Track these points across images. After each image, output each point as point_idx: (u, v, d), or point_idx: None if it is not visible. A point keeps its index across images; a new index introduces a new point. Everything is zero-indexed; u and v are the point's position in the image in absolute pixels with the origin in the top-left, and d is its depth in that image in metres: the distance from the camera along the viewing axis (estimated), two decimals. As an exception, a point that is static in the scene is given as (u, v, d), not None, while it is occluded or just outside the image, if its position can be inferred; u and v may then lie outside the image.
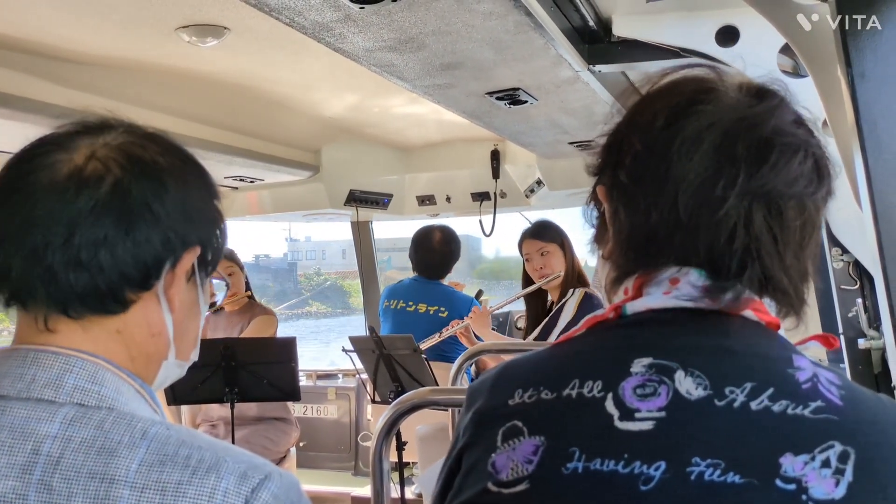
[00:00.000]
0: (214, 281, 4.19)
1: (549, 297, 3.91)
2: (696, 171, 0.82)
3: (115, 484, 0.78)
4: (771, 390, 0.79)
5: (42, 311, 0.87)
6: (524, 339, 3.98)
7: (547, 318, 3.77)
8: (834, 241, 2.16)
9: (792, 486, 0.73)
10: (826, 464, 0.74)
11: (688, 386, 0.80)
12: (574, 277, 3.80)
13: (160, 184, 0.91)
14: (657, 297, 0.86)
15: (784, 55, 2.11)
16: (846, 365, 2.19)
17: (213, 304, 4.33)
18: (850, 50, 1.29)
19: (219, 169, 4.01)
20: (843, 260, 2.15)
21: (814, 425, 0.77)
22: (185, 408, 4.34)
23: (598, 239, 0.96)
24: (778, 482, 0.73)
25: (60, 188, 0.86)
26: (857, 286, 2.14)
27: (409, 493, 3.57)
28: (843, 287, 2.16)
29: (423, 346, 3.85)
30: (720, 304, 0.84)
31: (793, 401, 0.78)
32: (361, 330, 5.71)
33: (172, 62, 2.87)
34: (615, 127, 0.92)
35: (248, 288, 4.35)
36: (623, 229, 0.90)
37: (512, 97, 2.68)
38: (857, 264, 2.13)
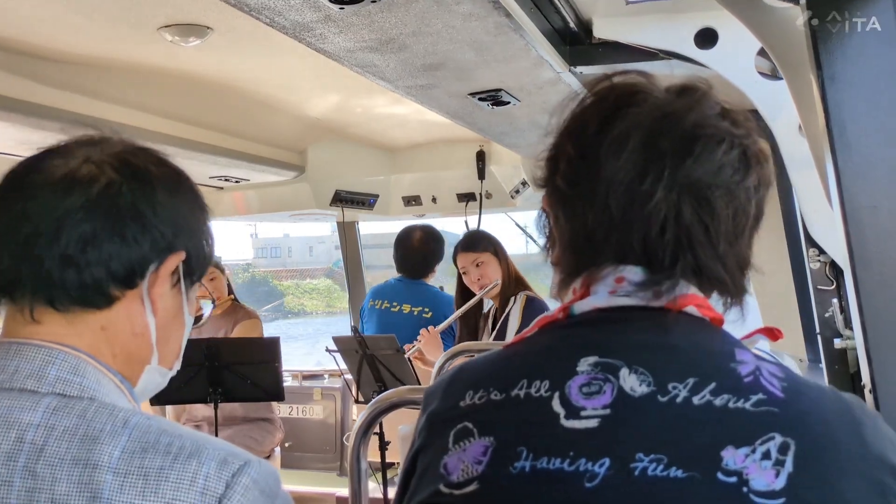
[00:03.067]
0: (202, 301, 4.19)
1: (493, 304, 3.88)
2: (624, 170, 0.85)
3: (98, 470, 0.80)
4: (713, 385, 0.80)
5: (28, 302, 0.90)
6: None
7: (495, 331, 3.76)
8: (811, 242, 2.19)
9: (733, 479, 0.74)
10: (766, 455, 0.75)
11: (632, 383, 0.81)
12: (512, 283, 3.79)
13: (151, 189, 0.95)
14: (603, 296, 0.88)
15: (762, 57, 2.13)
16: (823, 364, 2.21)
17: (199, 318, 4.31)
18: (820, 52, 1.30)
19: (203, 169, 4.00)
20: (819, 260, 2.18)
21: (755, 418, 0.78)
22: (169, 408, 4.33)
23: (548, 246, 0.98)
24: (719, 475, 0.75)
25: (54, 186, 0.90)
26: (833, 286, 2.16)
27: (393, 493, 3.56)
28: (819, 287, 2.19)
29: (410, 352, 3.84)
30: (661, 299, 0.85)
31: (734, 394, 0.79)
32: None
33: (155, 61, 2.87)
34: (555, 139, 0.95)
35: (230, 291, 4.34)
36: (565, 233, 0.92)
37: (494, 98, 2.70)
38: (833, 265, 2.16)
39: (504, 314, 3.74)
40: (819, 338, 2.22)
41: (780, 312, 2.77)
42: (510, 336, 3.62)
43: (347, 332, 3.69)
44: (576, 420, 0.81)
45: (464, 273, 3.83)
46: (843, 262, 1.39)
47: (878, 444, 0.79)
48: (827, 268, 2.17)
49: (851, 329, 2.07)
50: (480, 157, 4.70)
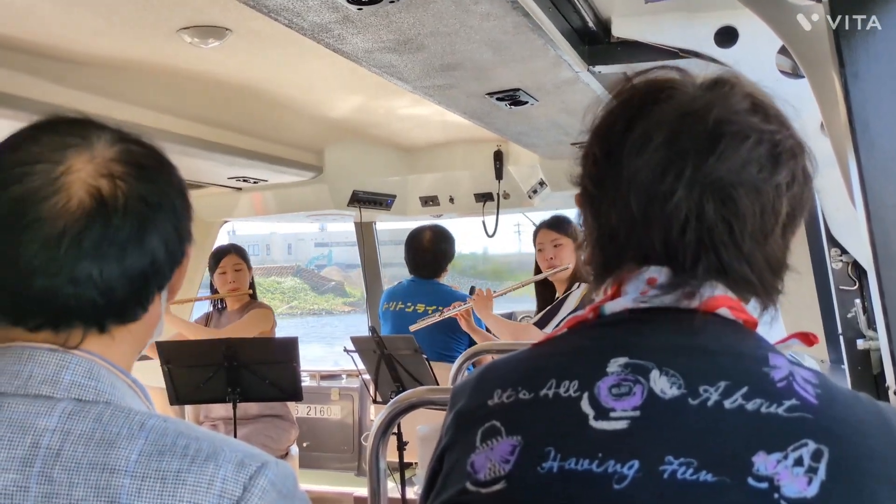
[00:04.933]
0: None
1: (557, 293, 3.93)
2: (645, 169, 0.83)
3: (115, 474, 0.80)
4: (745, 389, 0.78)
5: (78, 331, 0.88)
6: None
7: (549, 307, 3.81)
8: (833, 242, 2.16)
9: (764, 485, 0.73)
10: (799, 462, 0.74)
11: (662, 385, 0.80)
12: (582, 273, 3.82)
13: (170, 185, 0.93)
14: (633, 297, 0.87)
15: (783, 56, 2.11)
16: (846, 366, 2.19)
17: (223, 308, 4.37)
18: (843, 50, 1.29)
19: (222, 170, 4.02)
20: (842, 260, 2.15)
21: (787, 423, 0.76)
22: (188, 407, 4.36)
23: (584, 243, 0.97)
24: (750, 480, 0.73)
25: (95, 215, 0.85)
26: (856, 287, 2.14)
27: (411, 493, 3.57)
28: (842, 287, 2.17)
29: (420, 325, 3.89)
30: (693, 301, 0.84)
31: (767, 399, 0.78)
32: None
33: (175, 63, 2.89)
34: (588, 137, 0.94)
35: (252, 287, 4.38)
36: (593, 232, 0.92)
37: (512, 98, 2.69)
38: (855, 265, 2.13)
39: (562, 296, 3.80)
40: (841, 339, 2.19)
41: (801, 313, 2.74)
42: (560, 316, 3.69)
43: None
44: (605, 421, 0.80)
45: (539, 250, 3.93)
46: (867, 261, 1.37)
47: None
48: (849, 268, 2.15)
49: (875, 330, 2.05)
50: (498, 157, 4.69)
